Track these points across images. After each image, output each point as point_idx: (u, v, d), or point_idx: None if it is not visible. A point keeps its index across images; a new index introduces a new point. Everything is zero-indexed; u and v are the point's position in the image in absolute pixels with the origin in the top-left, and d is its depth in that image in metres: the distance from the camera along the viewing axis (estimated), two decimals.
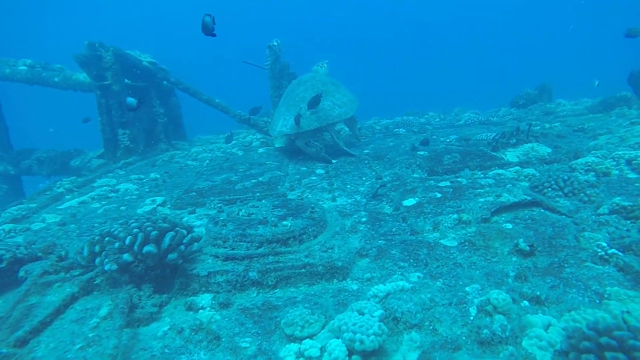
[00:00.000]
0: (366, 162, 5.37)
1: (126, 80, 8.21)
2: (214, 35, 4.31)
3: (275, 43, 7.91)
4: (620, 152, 4.14)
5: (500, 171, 4.06)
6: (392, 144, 6.77)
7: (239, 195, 4.22)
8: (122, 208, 4.45)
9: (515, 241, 2.63)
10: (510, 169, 4.17)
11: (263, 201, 3.27)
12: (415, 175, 4.53)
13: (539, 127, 6.93)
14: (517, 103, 9.98)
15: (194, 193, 4.37)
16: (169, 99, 9.91)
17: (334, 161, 5.60)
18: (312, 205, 3.09)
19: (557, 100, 10.61)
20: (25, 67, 8.72)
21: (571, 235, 2.74)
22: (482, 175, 4.07)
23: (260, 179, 4.68)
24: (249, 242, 2.58)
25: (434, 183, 4.00)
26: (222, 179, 4.82)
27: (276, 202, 3.21)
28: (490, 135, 6.00)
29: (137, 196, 4.93)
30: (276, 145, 6.19)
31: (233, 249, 2.58)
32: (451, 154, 4.78)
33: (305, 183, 4.72)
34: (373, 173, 4.79)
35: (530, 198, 3.25)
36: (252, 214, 2.94)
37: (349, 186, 4.43)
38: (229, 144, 7.63)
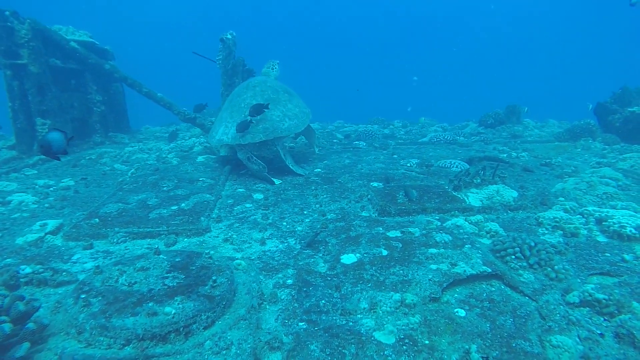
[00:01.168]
0: (313, 187, 4.71)
1: (54, 60, 7.12)
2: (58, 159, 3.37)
3: (229, 36, 7.07)
4: (590, 209, 3.70)
5: (460, 221, 3.51)
6: (349, 161, 6.15)
7: (150, 227, 3.45)
8: None
9: (467, 346, 2.06)
10: (472, 218, 3.64)
11: (161, 256, 2.54)
12: (364, 213, 3.92)
13: (505, 155, 6.53)
14: (486, 122, 9.64)
15: (97, 220, 3.56)
16: (110, 85, 8.85)
17: (277, 182, 4.91)
18: (220, 268, 2.40)
19: (525, 120, 10.39)
20: None
21: (535, 335, 2.21)
22: (438, 224, 3.52)
23: (184, 204, 3.91)
24: (111, 338, 1.86)
25: (382, 231, 3.40)
26: (138, 201, 4.02)
27: (177, 260, 2.49)
28: (454, 164, 5.51)
29: (30, 214, 4.04)
30: (220, 154, 5.42)
31: (89, 345, 1.86)
32: (406, 189, 4.20)
33: (237, 212, 4.01)
34: (317, 206, 4.14)
35: (490, 270, 2.71)
36: (136, 282, 2.22)
37: (285, 222, 3.75)
38: (170, 146, 6.74)
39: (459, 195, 4.13)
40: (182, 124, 10.13)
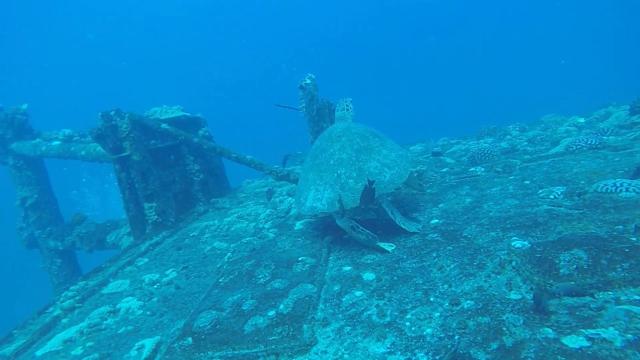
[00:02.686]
0: (434, 253, 3.73)
1: (153, 142, 7.42)
2: None
3: (307, 81, 6.59)
4: None
5: None
6: (470, 199, 5.01)
7: (245, 347, 2.87)
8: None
9: None
10: None
11: None
12: (513, 294, 2.82)
13: None
14: None
15: (190, 340, 3.11)
16: (206, 152, 9.03)
17: (390, 249, 4.05)
18: None
19: None
20: (59, 142, 8.37)
21: None
22: None
23: (282, 306, 3.28)
24: None
25: (553, 334, 2.29)
26: (233, 304, 3.51)
27: None
28: (621, 185, 4.03)
29: (133, 327, 3.82)
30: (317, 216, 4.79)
31: None
32: (569, 245, 2.97)
33: (346, 304, 3.24)
34: (446, 286, 3.15)
35: None
36: None
37: (408, 320, 2.85)
38: (267, 212, 6.37)
39: None
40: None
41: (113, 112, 6.56)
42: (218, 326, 3.22)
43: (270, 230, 5.37)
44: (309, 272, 3.83)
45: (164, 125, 7.11)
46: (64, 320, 4.35)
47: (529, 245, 3.18)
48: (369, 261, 3.95)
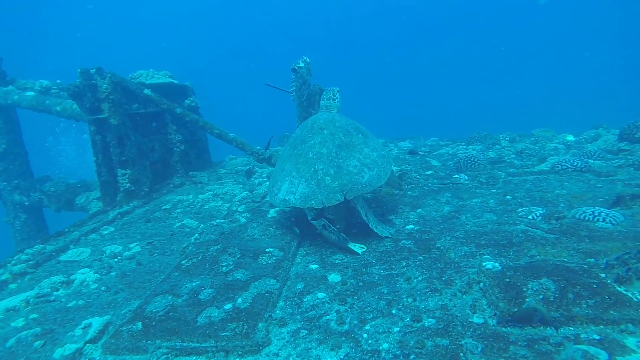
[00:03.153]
0: (404, 262, 3.64)
1: (135, 106, 7.11)
2: None
3: (301, 64, 6.33)
4: None
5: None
6: (449, 208, 4.93)
7: (196, 340, 2.75)
8: (38, 340, 3.12)
9: None
10: None
11: None
12: (476, 318, 2.75)
13: None
14: (633, 134, 7.40)
15: (139, 325, 2.97)
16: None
17: (360, 250, 3.95)
18: None
19: None
20: (33, 93, 7.94)
21: None
22: (604, 356, 2.22)
23: (240, 300, 3.15)
24: None
25: None
26: (190, 291, 3.37)
27: None
28: (598, 214, 3.99)
29: (84, 302, 3.65)
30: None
31: None
32: (539, 273, 2.91)
33: (307, 306, 3.13)
34: (410, 300, 3.06)
35: None
36: None
37: (367, 331, 2.76)
38: (242, 195, 6.18)
39: (627, 293, 2.72)
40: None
41: (94, 70, 6.21)
42: (171, 313, 3.09)
43: (243, 215, 5.22)
44: (274, 266, 3.71)
45: (146, 91, 6.80)
46: (12, 286, 4.15)
47: (500, 267, 3.11)
48: (337, 261, 3.84)
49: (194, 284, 3.49)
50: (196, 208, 6.05)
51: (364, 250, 3.99)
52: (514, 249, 3.62)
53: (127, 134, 6.57)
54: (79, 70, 6.10)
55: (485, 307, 2.83)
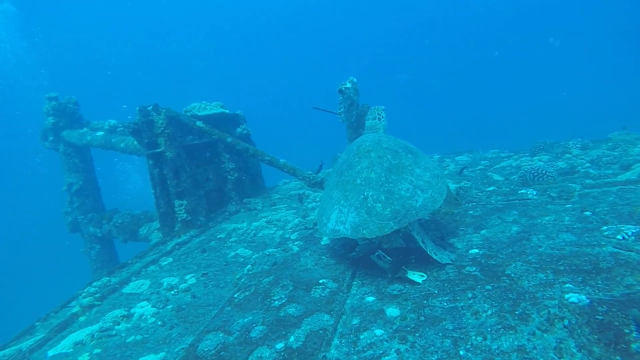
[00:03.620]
0: (469, 290, 3.27)
1: (190, 138, 7.39)
2: None
3: (348, 85, 6.23)
4: None
5: None
6: (517, 228, 4.45)
7: None
8: None
9: None
10: None
11: None
12: None
13: None
14: None
15: None
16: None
17: (419, 280, 3.63)
18: None
19: None
20: (102, 133, 8.59)
21: None
22: None
23: (292, 338, 2.98)
24: None
25: None
26: (242, 328, 3.27)
27: None
28: None
29: (142, 337, 3.68)
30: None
31: None
32: None
33: (364, 345, 2.88)
34: (479, 338, 2.70)
35: None
36: None
37: None
38: (295, 222, 6.10)
39: None
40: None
41: (150, 107, 6.55)
42: (222, 352, 2.98)
43: (296, 243, 5.10)
44: (327, 300, 3.50)
45: (198, 123, 7.04)
46: (82, 319, 4.33)
47: (588, 301, 2.66)
48: (395, 292, 3.55)
49: (246, 319, 3.38)
50: (250, 236, 6.05)
51: (424, 279, 3.67)
52: (603, 276, 3.12)
53: (183, 166, 6.80)
54: (137, 108, 6.47)
55: (575, 351, 2.41)
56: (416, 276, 3.69)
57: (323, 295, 3.60)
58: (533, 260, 3.61)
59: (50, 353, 3.66)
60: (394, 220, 3.56)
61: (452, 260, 3.84)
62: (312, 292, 3.66)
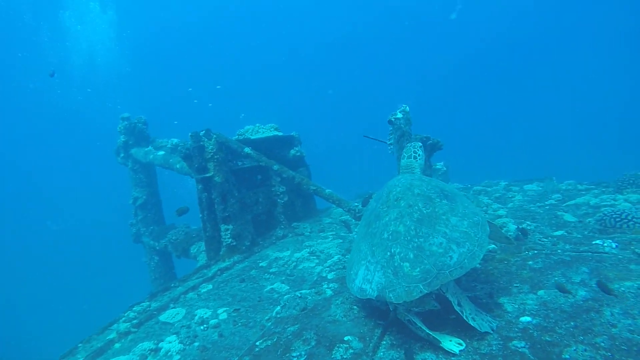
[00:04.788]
0: None
1: (242, 162, 7.50)
2: None
3: (399, 115, 5.90)
4: None
5: None
6: (585, 294, 3.77)
7: None
8: None
9: None
10: None
11: None
12: None
13: None
14: None
15: None
16: (296, 171, 8.89)
17: (457, 349, 3.19)
18: None
19: None
20: (163, 152, 9.07)
21: None
22: None
23: None
24: None
25: None
26: None
27: None
28: None
29: None
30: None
31: None
32: None
33: None
34: None
35: None
36: None
37: None
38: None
39: None
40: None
41: (202, 132, 6.75)
42: None
43: (330, 285, 4.84)
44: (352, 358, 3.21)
45: (247, 149, 7.12)
46: (117, 345, 4.46)
47: None
48: (429, 355, 3.16)
49: None
50: (290, 268, 5.91)
51: (461, 349, 3.22)
52: None
53: (231, 190, 6.89)
54: (190, 133, 6.69)
55: None
56: (453, 344, 3.25)
57: (345, 357, 3.30)
58: (602, 344, 2.99)
59: None
60: (424, 283, 3.16)
61: (492, 330, 3.34)
62: (333, 352, 3.38)
